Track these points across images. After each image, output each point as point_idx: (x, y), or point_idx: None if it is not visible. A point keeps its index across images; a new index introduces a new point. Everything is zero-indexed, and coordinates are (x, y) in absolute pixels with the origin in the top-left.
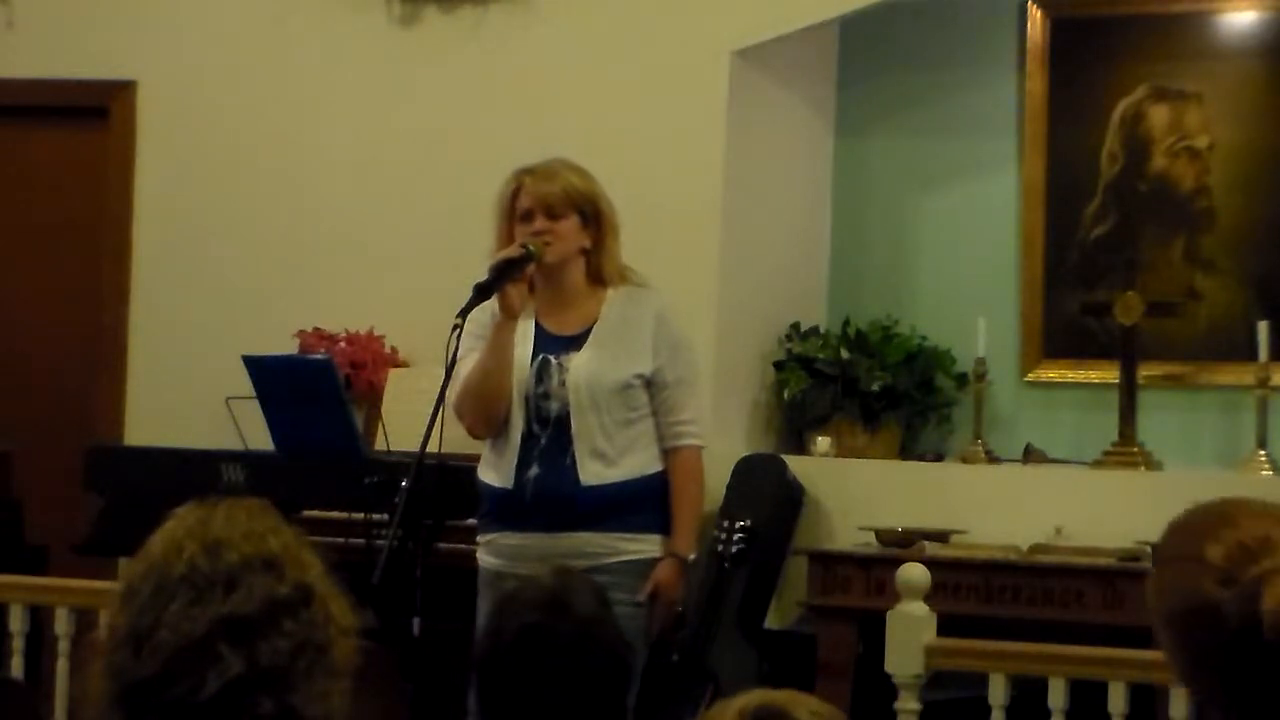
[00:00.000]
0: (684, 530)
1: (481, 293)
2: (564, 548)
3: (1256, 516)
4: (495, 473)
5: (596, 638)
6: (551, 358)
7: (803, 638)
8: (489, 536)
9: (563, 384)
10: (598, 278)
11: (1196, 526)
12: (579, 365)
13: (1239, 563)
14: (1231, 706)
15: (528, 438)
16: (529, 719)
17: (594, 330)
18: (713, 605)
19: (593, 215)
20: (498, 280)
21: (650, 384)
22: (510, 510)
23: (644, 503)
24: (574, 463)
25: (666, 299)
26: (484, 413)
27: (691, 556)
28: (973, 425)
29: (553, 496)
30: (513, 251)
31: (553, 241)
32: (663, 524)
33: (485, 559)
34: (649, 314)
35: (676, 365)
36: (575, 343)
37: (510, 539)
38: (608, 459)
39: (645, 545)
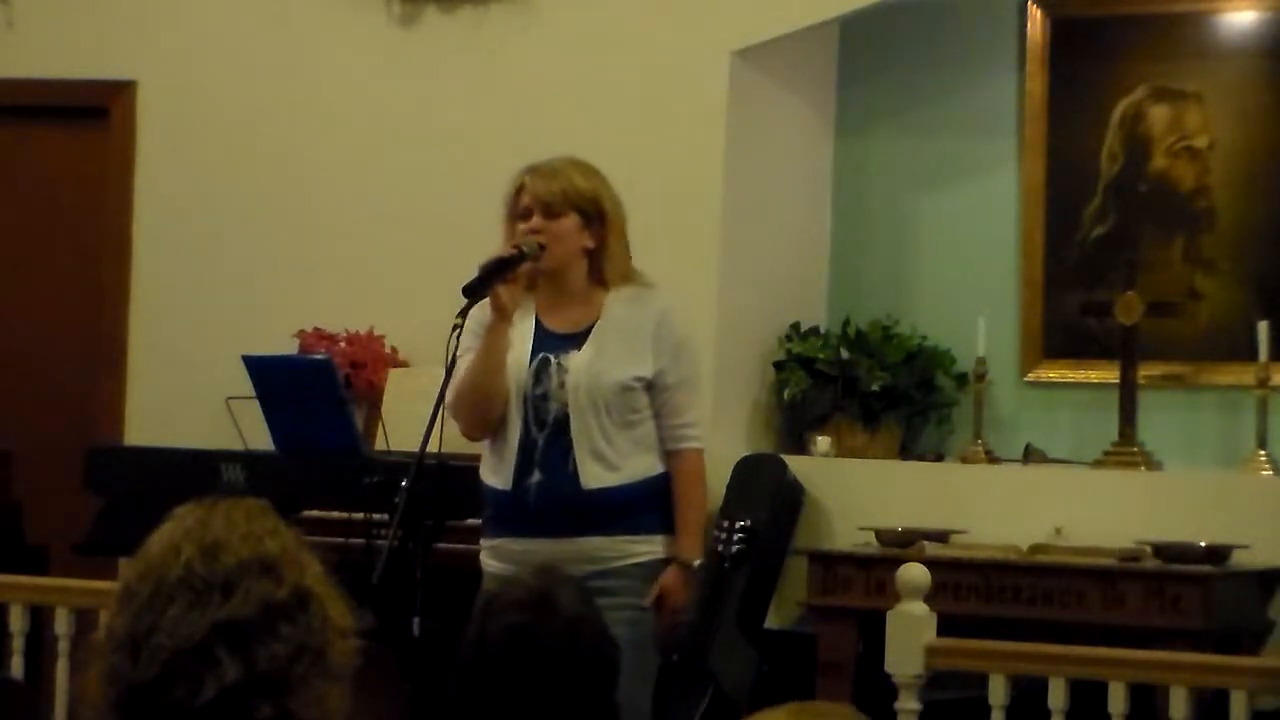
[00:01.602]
0: (689, 536)
1: (469, 294)
2: (570, 553)
3: None
4: (496, 476)
5: (582, 636)
6: (551, 356)
7: (803, 638)
8: (493, 542)
9: (562, 385)
10: (600, 278)
11: None
12: (579, 366)
13: None
14: None
15: (525, 439)
16: (517, 719)
17: (595, 329)
18: (713, 605)
19: (595, 215)
20: (485, 281)
21: (651, 386)
22: (513, 515)
23: (648, 504)
24: (575, 467)
25: (670, 300)
26: (478, 415)
27: (697, 563)
28: (973, 425)
29: (556, 502)
30: (504, 251)
31: (548, 242)
32: (668, 524)
33: (490, 564)
34: (651, 315)
35: (679, 367)
36: (575, 341)
37: (515, 545)
38: (609, 462)
39: (652, 546)
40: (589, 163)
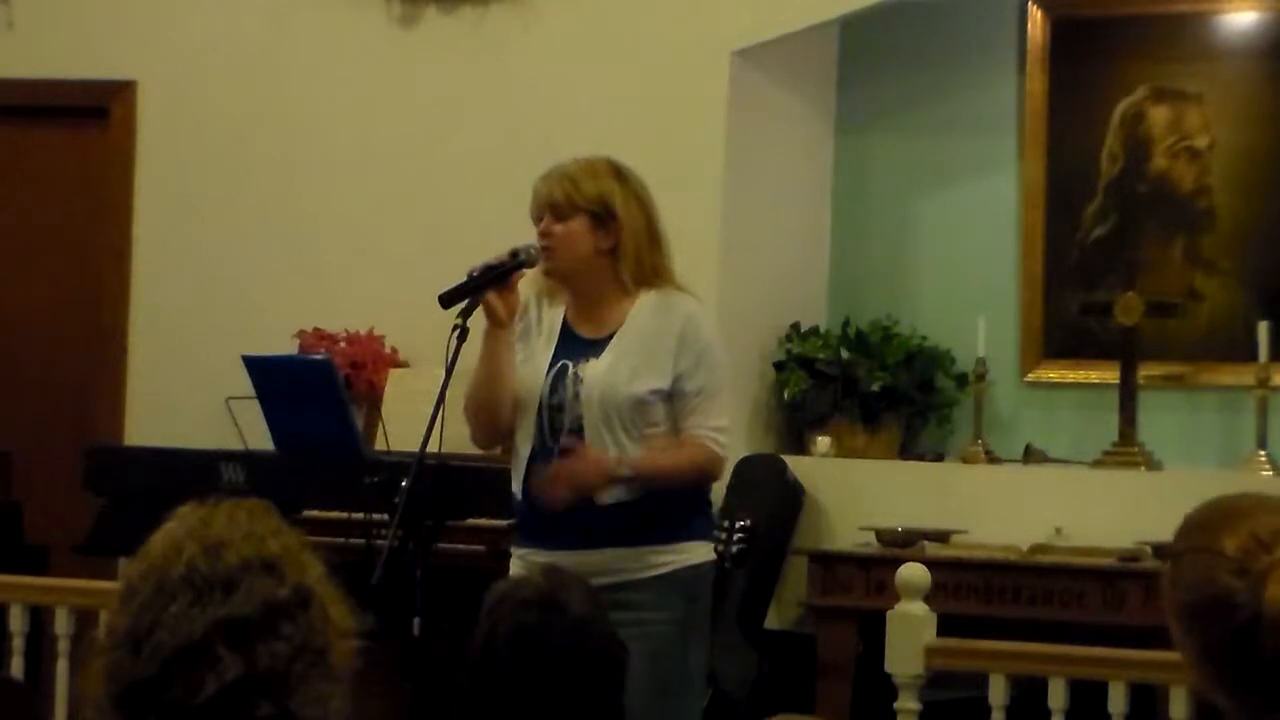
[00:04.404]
0: (649, 457)
1: (444, 303)
2: (591, 565)
3: (1273, 510)
4: (515, 485)
5: (590, 636)
6: (570, 364)
7: (803, 638)
8: (521, 551)
9: (576, 396)
10: (621, 281)
11: (1213, 519)
12: (594, 377)
13: (1251, 553)
14: (1238, 697)
15: (540, 450)
16: (524, 718)
17: (615, 338)
18: (713, 605)
19: (607, 216)
20: (472, 288)
21: (670, 395)
22: (534, 527)
23: (667, 514)
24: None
25: (697, 306)
26: (482, 423)
27: (625, 473)
28: (973, 425)
29: (573, 515)
30: (494, 258)
31: (556, 245)
32: (690, 531)
33: (518, 573)
34: (676, 322)
35: (699, 375)
36: (598, 347)
37: (539, 556)
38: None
39: (675, 555)
40: (611, 162)
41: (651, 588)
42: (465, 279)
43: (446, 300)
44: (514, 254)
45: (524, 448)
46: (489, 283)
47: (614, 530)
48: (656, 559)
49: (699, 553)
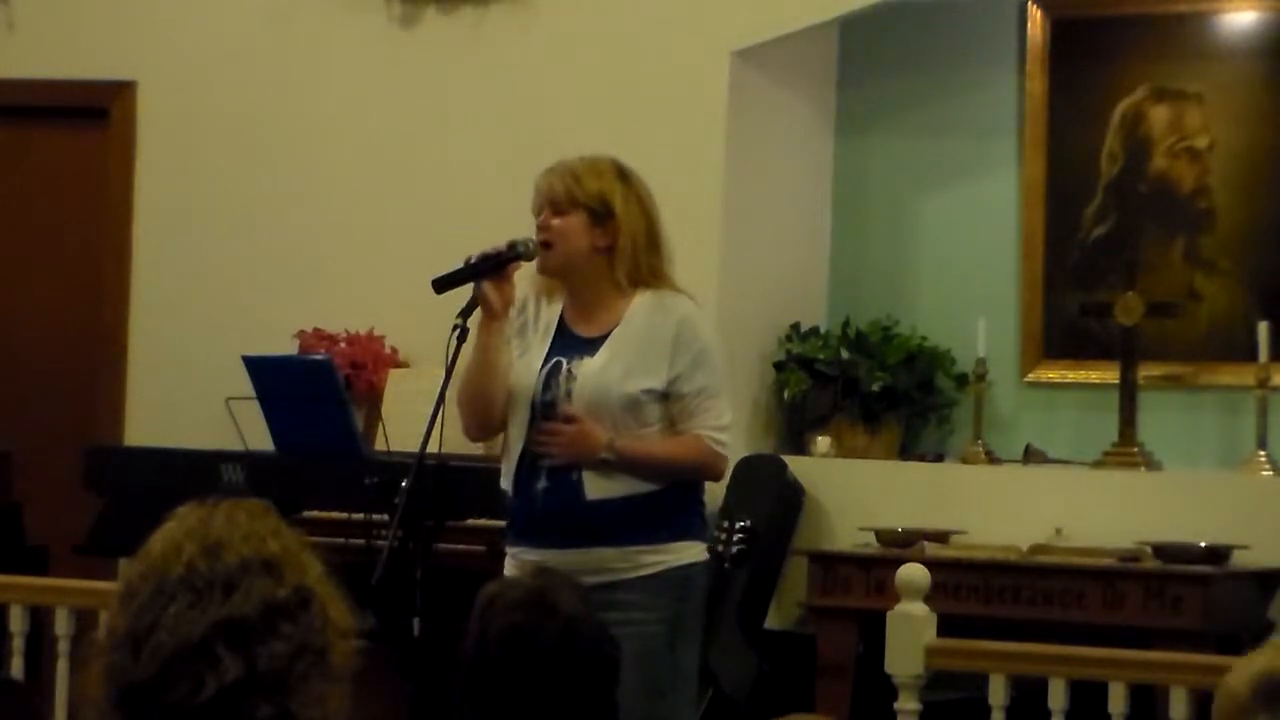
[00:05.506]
0: (640, 443)
1: (437, 289)
2: (581, 564)
3: None
4: (505, 479)
5: (581, 636)
6: (564, 361)
7: (803, 638)
8: (513, 550)
9: (569, 394)
10: (618, 280)
11: None
12: (587, 375)
13: None
14: None
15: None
16: (518, 718)
17: (610, 337)
18: (713, 605)
19: (605, 214)
20: (465, 276)
21: (666, 396)
22: (526, 524)
23: (657, 514)
24: (580, 477)
25: (694, 308)
26: (475, 417)
27: (607, 455)
28: (973, 425)
29: (561, 512)
30: (491, 248)
31: (554, 239)
32: (681, 531)
33: (513, 572)
34: (672, 323)
35: (696, 377)
36: (594, 346)
37: (530, 555)
38: (615, 474)
39: (665, 555)
40: (615, 162)
41: (641, 588)
42: (462, 265)
43: (441, 285)
44: (511, 245)
45: (516, 444)
46: (485, 271)
47: (604, 529)
48: (646, 559)
49: (690, 553)
